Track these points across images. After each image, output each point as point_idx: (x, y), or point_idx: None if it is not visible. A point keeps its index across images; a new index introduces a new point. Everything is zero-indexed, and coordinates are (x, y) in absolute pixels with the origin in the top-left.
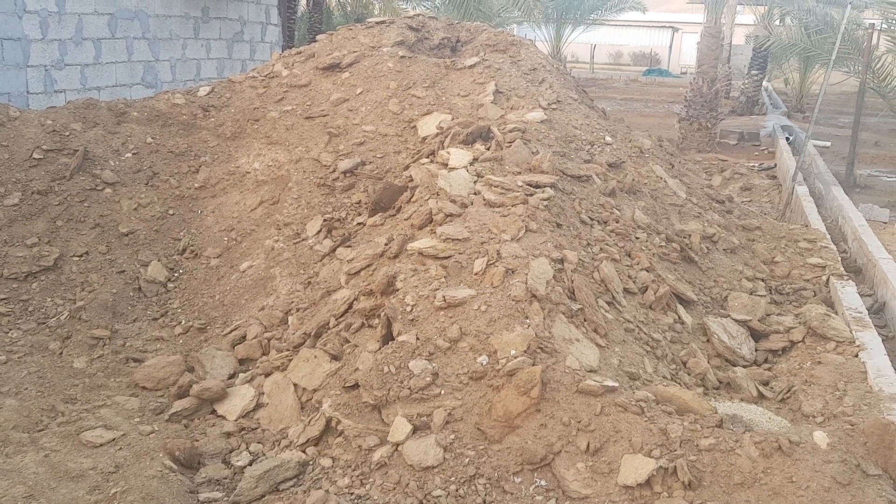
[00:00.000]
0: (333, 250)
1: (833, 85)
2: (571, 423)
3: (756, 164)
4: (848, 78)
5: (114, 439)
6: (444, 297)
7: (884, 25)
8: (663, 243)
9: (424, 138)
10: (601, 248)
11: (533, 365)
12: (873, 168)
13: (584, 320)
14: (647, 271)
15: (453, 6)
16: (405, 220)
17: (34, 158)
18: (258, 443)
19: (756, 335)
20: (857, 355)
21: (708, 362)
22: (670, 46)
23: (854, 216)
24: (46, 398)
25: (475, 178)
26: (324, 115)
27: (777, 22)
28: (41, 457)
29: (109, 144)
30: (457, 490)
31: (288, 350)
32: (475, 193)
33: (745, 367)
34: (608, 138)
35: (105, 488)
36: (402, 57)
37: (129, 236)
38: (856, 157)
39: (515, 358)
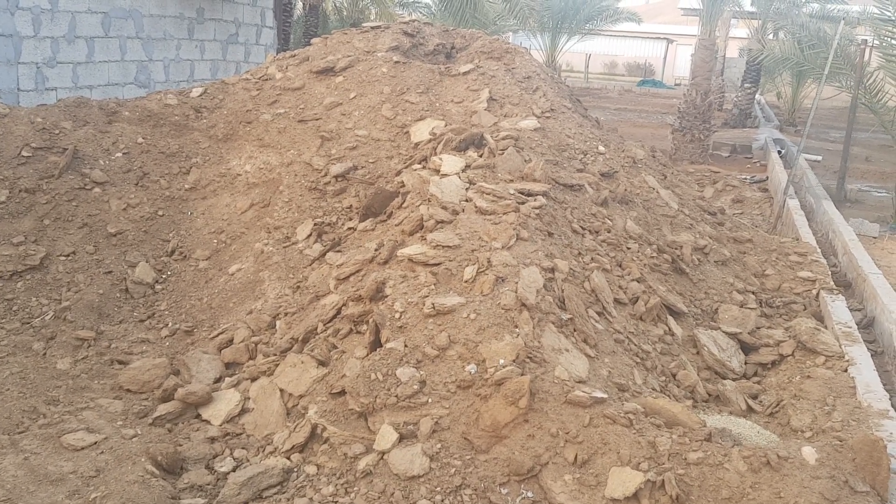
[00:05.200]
0: (323, 255)
1: (825, 100)
2: (559, 434)
3: (748, 177)
4: (840, 93)
5: (96, 443)
6: (433, 304)
7: (876, 42)
8: (654, 254)
9: (417, 144)
10: (592, 258)
11: (521, 374)
12: (864, 183)
13: (574, 330)
14: (638, 282)
15: (449, 13)
16: (396, 225)
17: (23, 156)
18: (242, 448)
19: (746, 348)
20: (846, 370)
21: (697, 375)
22: (664, 58)
23: (844, 230)
24: (28, 399)
25: (467, 184)
26: (317, 119)
27: (770, 36)
28: (21, 459)
29: (100, 144)
30: (442, 500)
31: (275, 355)
32: (467, 200)
33: (734, 380)
34: (601, 148)
35: (85, 493)
36: (397, 62)
37: (117, 237)
38: (847, 171)
39: (504, 367)
